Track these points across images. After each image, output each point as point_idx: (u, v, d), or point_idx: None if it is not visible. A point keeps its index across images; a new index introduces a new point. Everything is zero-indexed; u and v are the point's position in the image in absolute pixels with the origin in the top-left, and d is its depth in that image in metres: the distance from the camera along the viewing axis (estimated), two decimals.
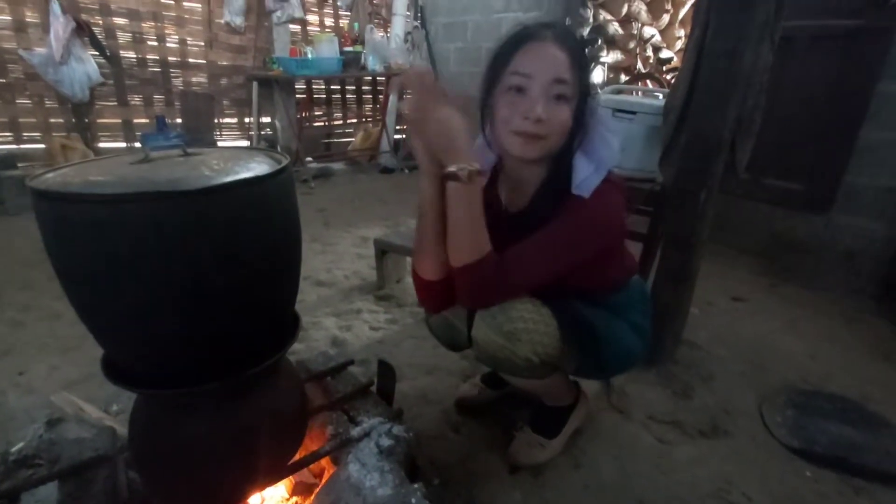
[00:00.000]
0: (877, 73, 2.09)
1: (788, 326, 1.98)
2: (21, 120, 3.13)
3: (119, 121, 3.50)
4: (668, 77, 5.04)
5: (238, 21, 3.77)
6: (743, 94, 1.37)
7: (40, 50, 3.01)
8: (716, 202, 1.45)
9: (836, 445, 1.31)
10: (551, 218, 0.93)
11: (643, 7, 5.61)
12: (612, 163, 0.95)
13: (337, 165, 4.47)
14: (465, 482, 1.16)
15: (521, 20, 3.76)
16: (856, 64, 2.16)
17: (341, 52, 3.85)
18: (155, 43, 3.52)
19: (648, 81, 5.00)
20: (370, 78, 4.61)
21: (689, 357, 1.69)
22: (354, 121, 4.77)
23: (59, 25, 2.94)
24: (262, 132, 4.11)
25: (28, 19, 3.01)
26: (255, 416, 0.80)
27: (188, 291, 0.66)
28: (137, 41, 3.44)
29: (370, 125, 4.74)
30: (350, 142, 4.71)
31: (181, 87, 3.71)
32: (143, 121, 3.57)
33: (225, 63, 3.87)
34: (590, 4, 5.13)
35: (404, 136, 4.75)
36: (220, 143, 3.90)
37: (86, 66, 3.13)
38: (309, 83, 4.22)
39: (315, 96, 4.42)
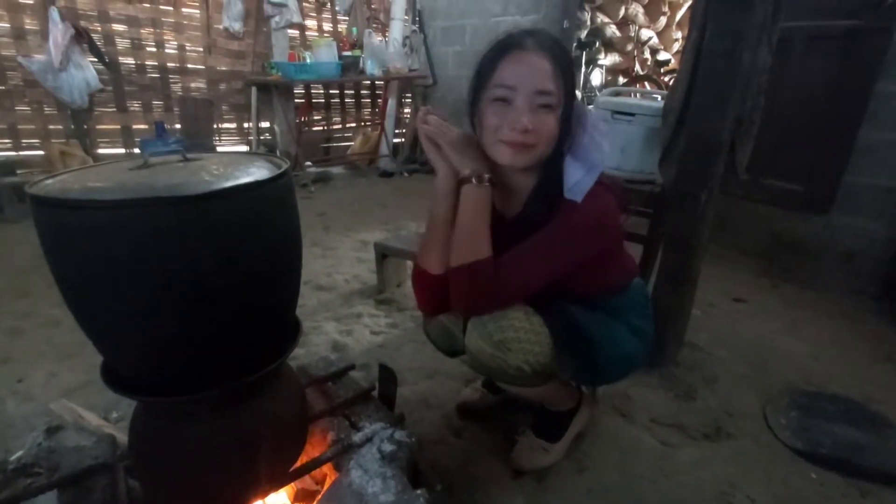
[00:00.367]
0: (875, 73, 2.10)
1: (790, 327, 1.98)
2: (20, 126, 3.13)
3: (118, 127, 3.50)
4: (666, 79, 5.05)
5: (237, 26, 3.77)
6: (742, 95, 1.37)
7: (39, 57, 3.01)
8: (716, 203, 1.45)
9: (840, 447, 1.30)
10: (545, 223, 0.93)
11: (640, 10, 5.64)
12: (604, 165, 0.95)
13: (336, 169, 4.48)
14: (467, 487, 1.16)
15: (520, 23, 3.77)
16: (854, 64, 2.17)
17: (340, 57, 3.85)
18: (154, 49, 3.52)
19: (646, 83, 5.01)
20: (369, 82, 4.62)
21: (691, 359, 1.68)
22: (353, 125, 4.78)
23: (58, 32, 2.94)
24: (262, 137, 4.11)
25: (27, 26, 3.01)
26: (256, 422, 0.79)
27: (188, 298, 0.65)
28: (136, 47, 3.44)
29: (369, 129, 4.75)
30: (349, 146, 4.72)
31: (180, 93, 3.72)
32: (143, 127, 3.57)
33: (224, 68, 3.88)
34: (587, 7, 5.16)
35: (403, 140, 4.76)
36: (219, 149, 3.90)
37: (85, 72, 3.13)
38: (308, 88, 4.23)
39: (314, 101, 4.42)
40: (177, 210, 0.61)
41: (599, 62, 5.16)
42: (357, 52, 4.06)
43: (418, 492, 0.85)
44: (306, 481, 1.03)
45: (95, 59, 3.22)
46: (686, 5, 5.76)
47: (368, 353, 1.70)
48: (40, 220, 0.63)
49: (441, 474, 1.17)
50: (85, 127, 3.32)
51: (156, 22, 3.48)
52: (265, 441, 0.79)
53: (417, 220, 3.14)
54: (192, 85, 3.78)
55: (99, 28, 3.25)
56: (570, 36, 3.80)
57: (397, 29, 4.25)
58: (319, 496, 0.91)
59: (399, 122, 4.77)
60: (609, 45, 5.42)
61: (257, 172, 0.71)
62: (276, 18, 3.88)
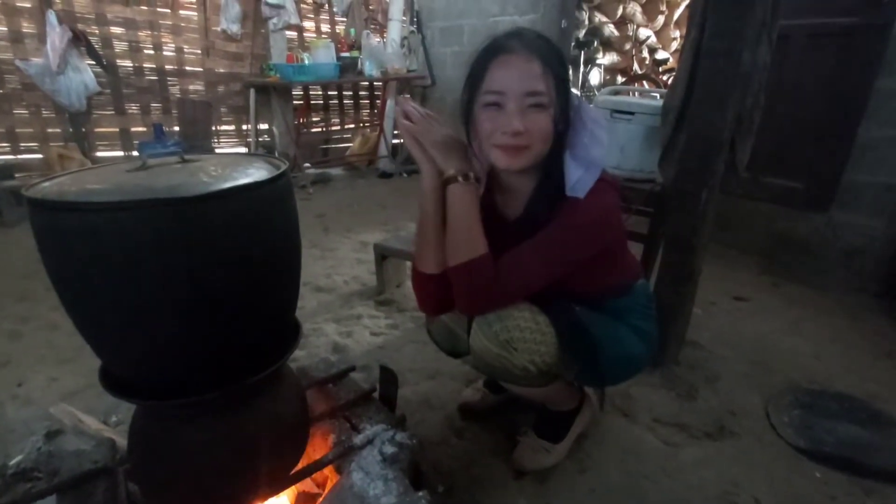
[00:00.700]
0: (875, 70, 2.09)
1: (791, 326, 1.97)
2: (18, 130, 3.13)
3: (116, 130, 3.50)
4: (665, 78, 5.05)
5: (234, 28, 3.77)
6: (742, 93, 1.37)
7: (37, 60, 3.01)
8: (716, 202, 1.45)
9: (844, 445, 1.30)
10: (548, 223, 0.93)
11: (638, 9, 5.64)
12: (604, 161, 0.95)
13: (335, 171, 4.47)
14: (469, 488, 1.15)
15: (518, 23, 3.77)
16: (853, 62, 2.16)
17: (338, 58, 3.85)
18: (151, 51, 3.52)
19: (645, 82, 5.01)
20: (367, 83, 4.62)
21: (693, 358, 1.68)
22: (352, 126, 4.78)
23: (56, 35, 2.94)
24: (260, 139, 4.11)
25: (24, 30, 3.01)
26: (256, 425, 0.78)
27: (186, 300, 0.65)
28: (134, 50, 3.44)
29: (368, 130, 4.75)
30: (348, 147, 4.72)
31: (178, 95, 3.71)
32: (141, 129, 3.57)
33: (222, 70, 3.88)
34: (585, 7, 5.16)
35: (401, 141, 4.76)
36: (217, 151, 3.90)
37: (83, 75, 3.13)
38: (306, 89, 4.23)
39: (312, 102, 4.42)
40: (175, 211, 0.61)
41: (598, 61, 5.16)
42: (355, 54, 4.06)
43: (420, 493, 0.84)
44: (307, 484, 1.03)
45: (93, 62, 3.22)
46: (684, 4, 5.77)
47: (369, 355, 1.69)
48: (37, 222, 0.63)
49: (443, 476, 1.17)
50: (83, 130, 3.32)
51: (153, 24, 3.48)
52: (266, 444, 0.79)
53: (417, 220, 3.13)
54: (191, 87, 3.78)
55: (96, 31, 3.25)
56: (568, 35, 3.80)
57: (395, 30, 4.25)
58: (321, 499, 0.91)
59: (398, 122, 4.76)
60: (607, 45, 5.42)
61: (256, 173, 0.71)
62: (274, 20, 3.88)
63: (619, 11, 5.41)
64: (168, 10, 3.51)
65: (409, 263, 2.21)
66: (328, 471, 0.98)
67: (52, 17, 2.94)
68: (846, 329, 1.95)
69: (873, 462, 1.25)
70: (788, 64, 2.31)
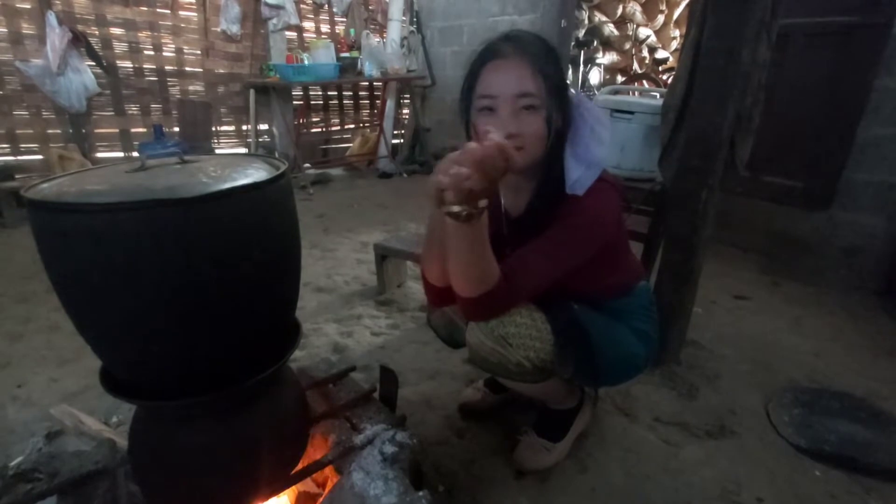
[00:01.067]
0: (874, 69, 2.09)
1: (792, 324, 1.97)
2: (18, 131, 3.13)
3: (116, 131, 3.50)
4: (664, 77, 5.05)
5: (234, 29, 3.77)
6: (741, 92, 1.37)
7: (37, 61, 3.01)
8: (716, 201, 1.45)
9: (845, 444, 1.30)
10: (550, 220, 0.93)
11: (638, 8, 5.64)
12: (606, 160, 0.94)
13: (335, 171, 4.48)
14: (470, 488, 1.15)
15: (517, 23, 3.77)
16: (853, 60, 2.16)
17: (338, 58, 3.85)
18: (151, 52, 3.52)
19: (645, 81, 5.01)
20: (367, 83, 4.62)
21: (694, 357, 1.68)
22: (352, 126, 4.78)
23: (56, 36, 2.94)
24: (260, 139, 4.11)
25: (24, 31, 3.01)
26: (256, 425, 0.78)
27: (187, 300, 0.65)
28: (134, 51, 3.44)
29: (368, 130, 4.75)
30: (348, 147, 4.72)
31: (178, 96, 3.72)
32: (141, 130, 3.57)
33: (222, 71, 3.88)
34: (585, 6, 5.16)
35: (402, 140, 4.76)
36: (217, 151, 3.90)
37: (82, 76, 3.13)
38: (306, 89, 4.23)
39: (312, 102, 4.42)
40: (174, 212, 0.60)
41: (597, 61, 5.16)
42: (355, 54, 4.06)
43: (420, 493, 0.84)
44: (308, 484, 1.03)
45: (93, 63, 3.22)
46: (683, 3, 5.77)
47: (369, 355, 1.69)
48: (37, 223, 0.63)
49: (443, 475, 1.17)
50: (83, 131, 3.32)
51: (153, 25, 3.48)
52: (266, 444, 0.79)
53: (417, 220, 3.13)
54: (190, 88, 3.78)
55: (96, 32, 3.25)
56: (567, 35, 3.79)
57: (395, 30, 4.25)
58: (321, 499, 0.91)
59: (398, 122, 4.77)
60: (607, 44, 5.42)
61: (255, 174, 0.71)
62: (274, 20, 3.88)
63: (619, 11, 5.41)
64: (168, 11, 3.51)
65: (409, 263, 2.22)
66: (329, 471, 0.98)
67: (51, 18, 2.94)
68: (846, 327, 1.95)
69: (874, 460, 1.25)
70: (788, 63, 2.31)
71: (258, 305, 0.73)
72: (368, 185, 4.15)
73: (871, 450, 1.28)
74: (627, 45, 5.64)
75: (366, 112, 4.83)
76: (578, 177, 0.91)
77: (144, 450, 0.79)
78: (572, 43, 4.18)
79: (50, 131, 3.22)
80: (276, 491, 0.86)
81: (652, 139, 2.22)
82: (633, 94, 3.44)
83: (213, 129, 3.90)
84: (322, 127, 4.58)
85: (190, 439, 0.75)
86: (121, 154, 3.53)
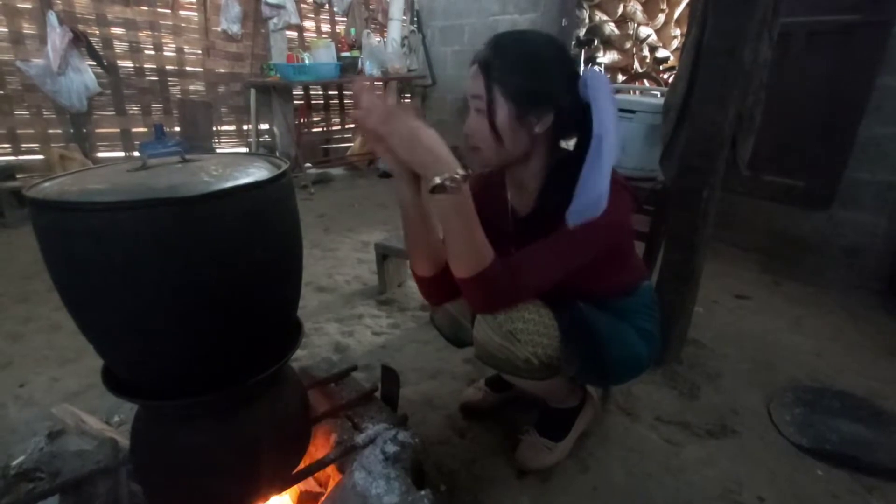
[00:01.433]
0: (876, 67, 2.09)
1: (793, 323, 1.97)
2: (19, 131, 3.13)
3: (117, 130, 3.50)
4: (665, 76, 5.04)
5: (235, 28, 3.77)
6: (743, 91, 1.37)
7: (38, 61, 3.01)
8: (718, 200, 1.45)
9: (846, 443, 1.30)
10: (557, 219, 0.92)
11: (639, 7, 5.63)
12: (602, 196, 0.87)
13: (336, 170, 4.48)
14: (471, 488, 1.15)
15: (518, 22, 3.77)
16: (854, 59, 2.16)
17: (338, 58, 3.85)
18: (152, 52, 3.52)
19: (646, 81, 5.00)
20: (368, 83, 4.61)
21: (695, 356, 1.68)
22: (353, 126, 4.78)
23: (56, 36, 2.94)
24: (261, 139, 4.11)
25: (25, 30, 3.01)
26: (258, 425, 0.78)
27: (188, 300, 0.65)
28: (134, 50, 3.44)
29: None
30: (349, 147, 4.71)
31: (179, 96, 3.72)
32: (142, 130, 3.57)
33: (222, 71, 3.88)
34: (585, 5, 5.15)
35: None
36: (218, 151, 3.90)
37: (83, 76, 3.13)
38: (307, 89, 4.23)
39: (313, 102, 4.42)
40: (176, 211, 0.60)
41: (598, 60, 5.15)
42: (356, 53, 4.06)
43: (422, 493, 0.84)
44: (310, 483, 1.03)
45: (94, 63, 3.22)
46: (684, 2, 5.76)
47: (371, 354, 1.69)
48: (38, 223, 0.63)
49: (445, 475, 1.17)
50: (84, 131, 3.32)
51: (154, 25, 3.48)
52: (268, 443, 0.79)
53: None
54: (191, 87, 3.78)
55: (97, 32, 3.25)
56: (568, 34, 3.79)
57: (396, 29, 4.25)
58: (323, 498, 0.91)
59: None
60: (608, 43, 5.41)
61: (257, 173, 0.71)
62: (274, 20, 3.88)
63: (620, 10, 5.40)
64: (168, 11, 3.51)
65: (410, 263, 2.22)
66: (330, 470, 0.98)
67: (52, 17, 2.94)
68: (848, 327, 1.95)
69: (875, 459, 1.25)
70: (789, 62, 2.31)
71: (259, 305, 0.73)
72: (369, 185, 4.15)
73: (872, 449, 1.28)
74: (628, 44, 5.63)
75: None
76: (579, 209, 0.85)
77: (146, 449, 0.79)
78: (573, 42, 4.17)
79: (51, 131, 3.22)
80: (278, 490, 0.86)
81: (653, 138, 2.21)
82: (634, 93, 3.43)
83: (214, 128, 3.90)
84: (323, 126, 4.58)
85: (192, 439, 0.75)
86: (122, 154, 3.53)
